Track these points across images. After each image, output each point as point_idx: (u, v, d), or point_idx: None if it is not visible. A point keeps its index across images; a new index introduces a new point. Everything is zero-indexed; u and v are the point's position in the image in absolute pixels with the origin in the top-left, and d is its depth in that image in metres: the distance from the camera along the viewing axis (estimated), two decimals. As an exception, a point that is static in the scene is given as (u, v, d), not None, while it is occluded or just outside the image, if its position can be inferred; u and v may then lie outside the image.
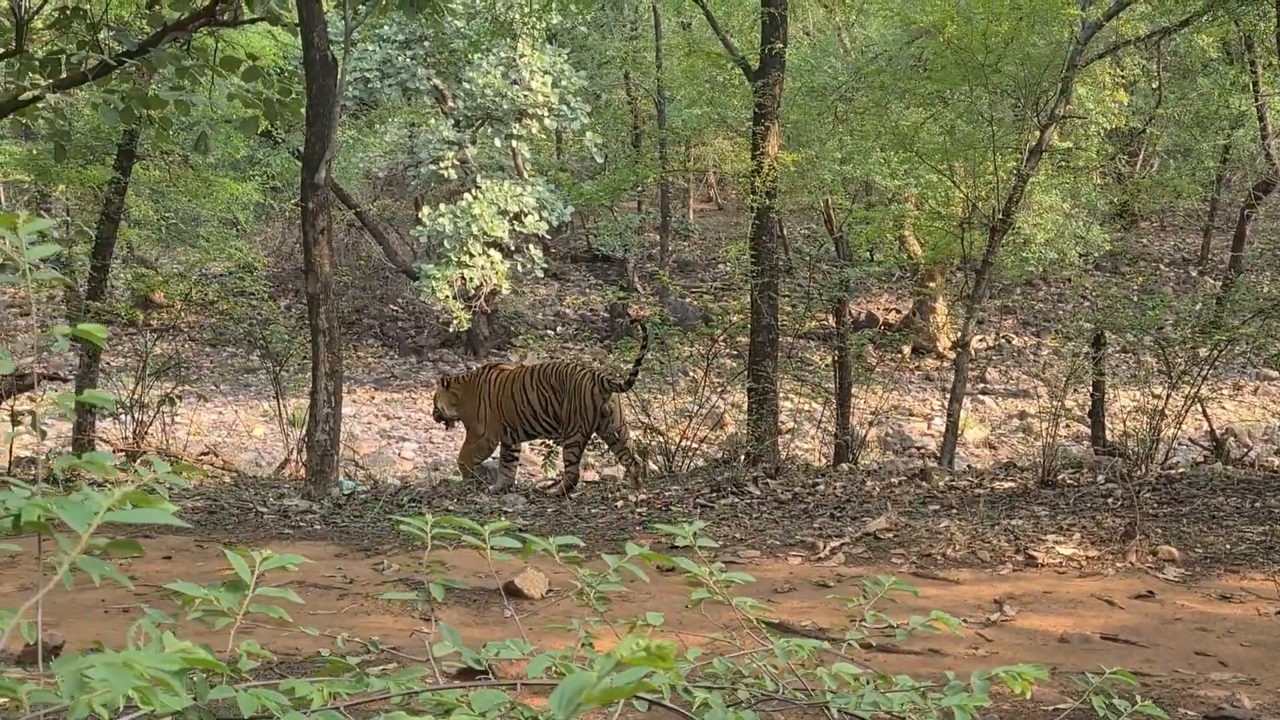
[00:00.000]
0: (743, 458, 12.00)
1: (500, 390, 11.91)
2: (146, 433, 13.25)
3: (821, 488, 11.04)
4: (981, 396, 23.52)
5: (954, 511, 9.79)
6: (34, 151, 17.45)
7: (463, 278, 26.30)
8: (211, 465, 13.12)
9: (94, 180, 16.19)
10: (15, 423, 13.48)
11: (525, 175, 27.57)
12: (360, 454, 20.97)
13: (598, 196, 21.92)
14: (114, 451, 13.29)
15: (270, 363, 18.79)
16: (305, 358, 31.41)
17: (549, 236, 28.08)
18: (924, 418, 21.62)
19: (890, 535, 9.11)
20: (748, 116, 12.74)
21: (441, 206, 26.51)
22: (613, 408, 11.67)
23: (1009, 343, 28.13)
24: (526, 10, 25.50)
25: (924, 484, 10.91)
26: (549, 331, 30.41)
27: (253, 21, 12.66)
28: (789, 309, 14.80)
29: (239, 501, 10.25)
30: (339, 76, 10.24)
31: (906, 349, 27.14)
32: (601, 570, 9.02)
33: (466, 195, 26.40)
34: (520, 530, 9.75)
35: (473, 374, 12.93)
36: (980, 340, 27.89)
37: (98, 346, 16.02)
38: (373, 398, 26.79)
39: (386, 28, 26.15)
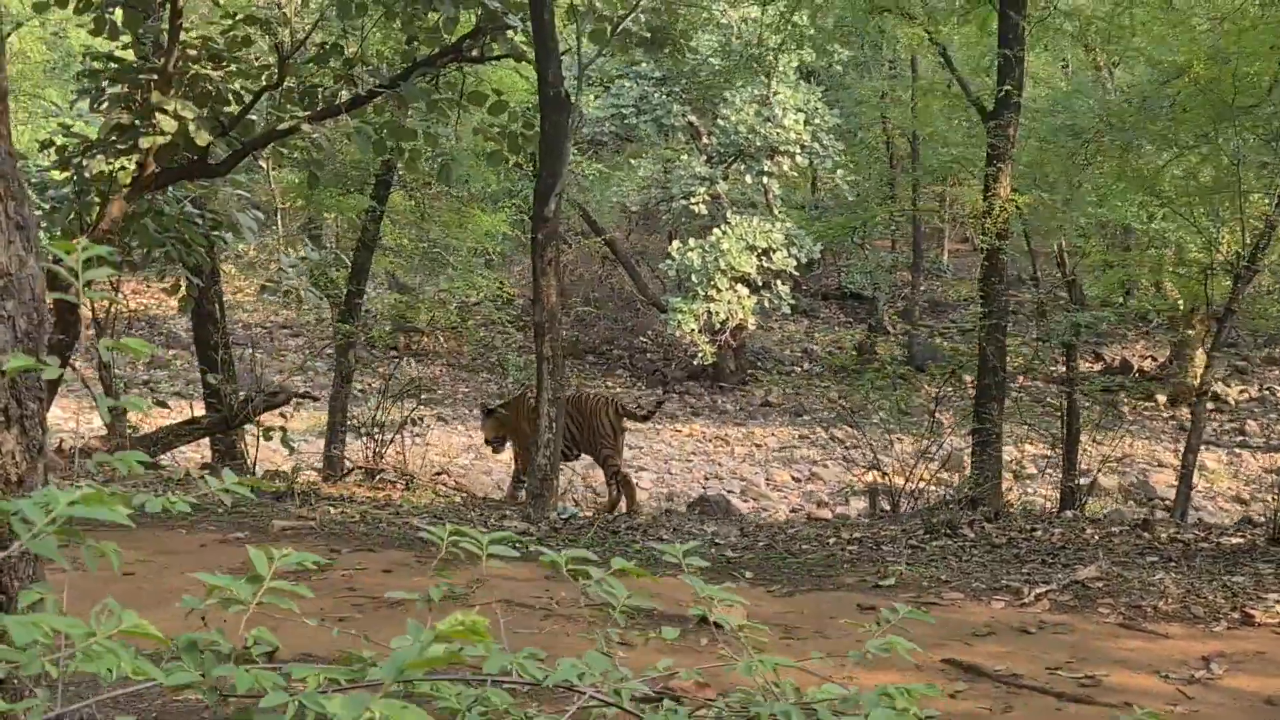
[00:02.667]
0: (960, 501, 11.89)
1: (528, 414, 12.81)
2: (384, 452, 13.80)
3: (1039, 533, 10.85)
4: (1239, 449, 22.64)
5: (1172, 564, 9.52)
6: (295, 180, 18.35)
7: (709, 312, 26.56)
8: (444, 486, 13.59)
9: (352, 209, 16.96)
10: (265, 438, 14.26)
11: (775, 212, 27.72)
12: (598, 482, 21.40)
13: (838, 233, 21.92)
14: (353, 468, 13.87)
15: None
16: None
17: (798, 273, 28.15)
18: (1174, 468, 20.92)
19: (1100, 584, 8.91)
20: (982, 157, 12.65)
21: (691, 241, 26.86)
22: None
23: (1273, 394, 27.00)
24: (779, 48, 25.72)
25: (1145, 535, 10.62)
26: (795, 368, 30.44)
27: (498, 58, 13.17)
28: (1023, 352, 14.59)
29: (462, 522, 10.62)
30: (572, 112, 10.55)
31: (1161, 397, 26.32)
32: (797, 607, 9.10)
33: (716, 230, 26.68)
34: (727, 563, 9.89)
35: (510, 400, 14.43)
36: (1242, 391, 26.84)
37: (350, 367, 16.77)
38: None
39: (643, 65, 26.67)
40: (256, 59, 12.94)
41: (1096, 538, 10.69)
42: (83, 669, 2.12)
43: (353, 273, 16.75)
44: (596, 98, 27.92)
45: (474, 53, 12.97)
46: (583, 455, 14.18)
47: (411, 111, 13.08)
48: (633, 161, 28.44)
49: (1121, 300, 19.02)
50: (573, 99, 10.59)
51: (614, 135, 27.62)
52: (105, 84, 12.47)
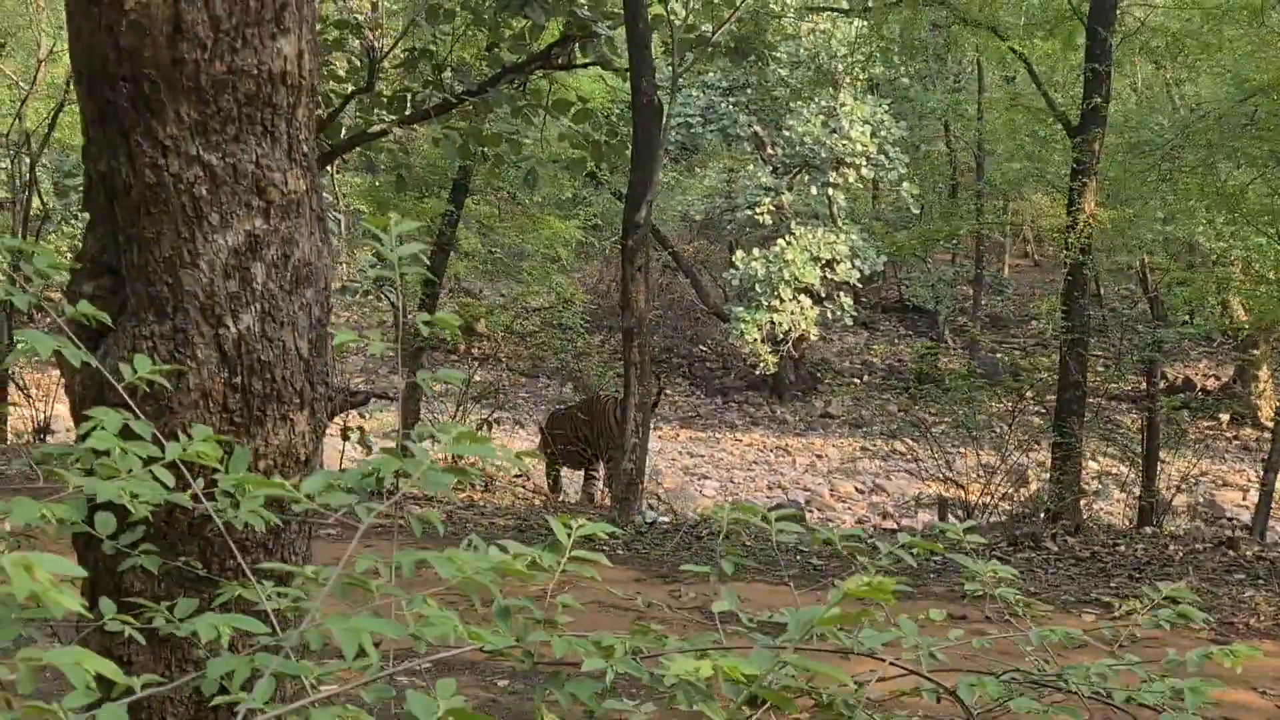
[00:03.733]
0: (1042, 514, 11.89)
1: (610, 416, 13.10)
2: (462, 456, 13.86)
3: (1122, 548, 10.85)
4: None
5: (1261, 582, 9.51)
6: (377, 184, 18.53)
7: (772, 322, 26.58)
8: (524, 488, 13.69)
9: (430, 212, 17.11)
10: (345, 437, 14.40)
11: (839, 223, 27.73)
12: (663, 488, 21.43)
13: (910, 247, 21.90)
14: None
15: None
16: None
17: (860, 285, 28.15)
18: (1239, 488, 20.78)
19: (1190, 601, 8.91)
20: (1066, 172, 12.64)
21: (755, 251, 26.91)
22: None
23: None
24: (849, 60, 25.75)
25: (1231, 552, 10.61)
26: (855, 380, 30.42)
27: (585, 65, 13.28)
28: (1100, 368, 14.56)
29: (541, 524, 10.72)
30: (663, 121, 10.64)
31: (1224, 417, 26.15)
32: (887, 617, 9.12)
33: (780, 241, 26.72)
34: (814, 570, 9.93)
35: (583, 403, 15.37)
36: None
37: (421, 369, 16.91)
38: (677, 435, 27.29)
39: (710, 74, 26.73)
40: (347, 63, 13.08)
41: (1181, 554, 10.68)
42: (418, 634, 2.23)
43: (427, 277, 16.87)
44: (683, 102, 28.03)
45: (560, 60, 13.07)
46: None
47: (494, 117, 13.20)
48: (697, 171, 28.50)
49: (1188, 318, 18.89)
50: (664, 108, 10.66)
51: (679, 145, 27.67)
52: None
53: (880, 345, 32.63)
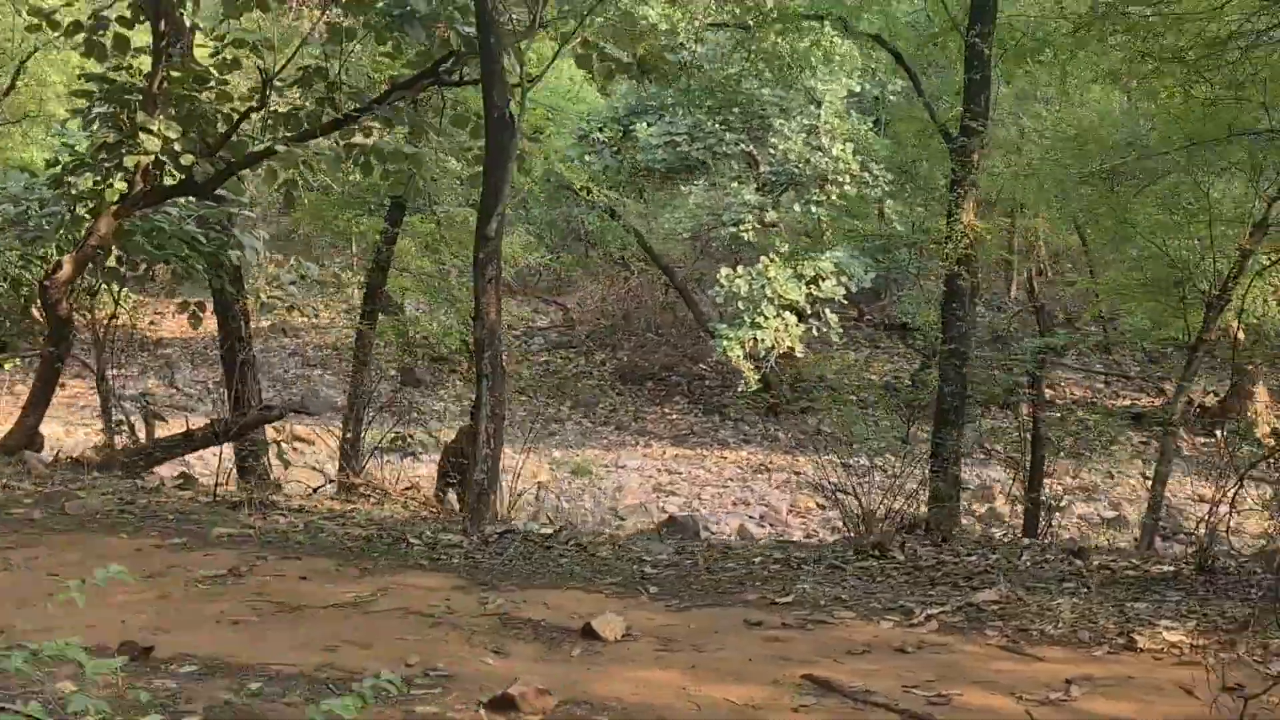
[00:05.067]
0: (908, 524, 11.90)
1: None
2: (361, 469, 14.06)
3: (973, 558, 10.83)
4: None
5: (1084, 590, 9.48)
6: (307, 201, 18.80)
7: (755, 339, 26.63)
8: (413, 499, 13.82)
9: (371, 229, 17.35)
10: (269, 451, 14.58)
11: (825, 240, 27.77)
12: (622, 504, 21.56)
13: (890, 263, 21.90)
14: (327, 482, 14.17)
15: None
16: (614, 409, 32.45)
17: (853, 302, 28.19)
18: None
19: (996, 607, 8.91)
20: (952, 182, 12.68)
21: (740, 268, 26.98)
22: None
23: (1326, 430, 26.40)
24: (827, 77, 25.82)
25: (1077, 561, 10.57)
26: (852, 396, 30.34)
27: (475, 83, 13.45)
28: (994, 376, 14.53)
29: (396, 533, 10.86)
30: (515, 134, 10.79)
31: (1219, 432, 25.91)
32: (686, 622, 9.19)
33: (763, 258, 26.79)
34: (642, 578, 10.01)
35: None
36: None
37: (363, 385, 17.12)
38: (664, 453, 27.40)
39: (696, 93, 26.87)
40: (244, 83, 13.34)
41: (1030, 563, 10.67)
42: None
43: (366, 293, 17.13)
44: (650, 125, 28.17)
45: (454, 76, 13.27)
46: None
47: (392, 135, 13.42)
48: (683, 189, 28.65)
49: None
50: (516, 120, 10.79)
51: (666, 163, 27.85)
52: (95, 104, 12.94)
53: (879, 363, 32.51)
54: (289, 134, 12.93)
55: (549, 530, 11.93)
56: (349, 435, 15.87)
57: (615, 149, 29.01)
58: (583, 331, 34.59)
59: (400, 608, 8.78)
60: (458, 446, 13.45)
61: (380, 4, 12.50)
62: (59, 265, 13.06)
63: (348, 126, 13.03)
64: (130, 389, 15.56)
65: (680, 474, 25.11)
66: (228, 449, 14.59)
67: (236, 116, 13.04)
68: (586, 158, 28.71)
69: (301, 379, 32.02)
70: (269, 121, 13.17)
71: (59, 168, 13.24)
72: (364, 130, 13.46)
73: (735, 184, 28.02)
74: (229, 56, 12.96)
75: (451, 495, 14.17)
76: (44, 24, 12.59)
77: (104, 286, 15.20)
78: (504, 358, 11.16)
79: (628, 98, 28.82)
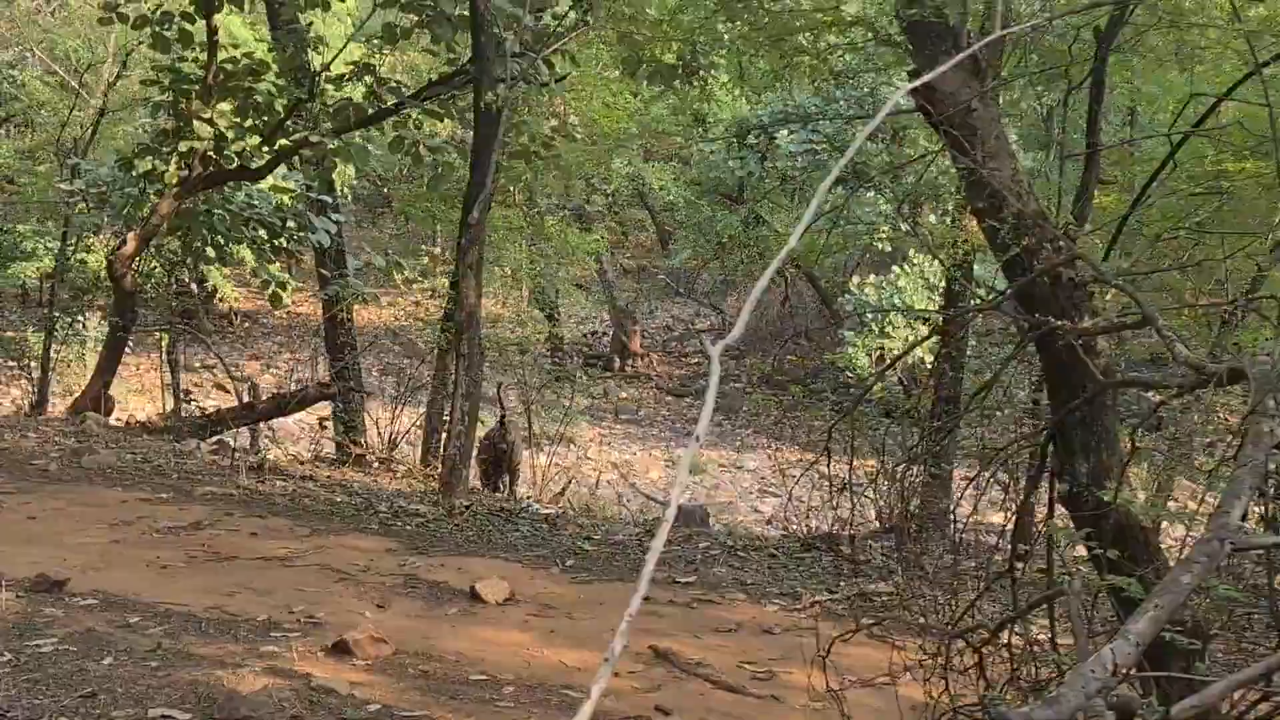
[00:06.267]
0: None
1: None
2: (397, 442, 14.64)
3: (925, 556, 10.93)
4: None
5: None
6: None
7: (882, 348, 26.59)
8: (421, 475, 14.27)
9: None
10: (321, 426, 15.41)
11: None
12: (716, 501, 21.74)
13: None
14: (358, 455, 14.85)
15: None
16: (756, 412, 32.56)
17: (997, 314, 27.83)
18: None
19: (885, 598, 9.08)
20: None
21: (872, 277, 26.99)
22: None
23: None
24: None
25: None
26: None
27: (501, 81, 14.02)
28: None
29: (371, 501, 11.47)
30: (500, 128, 11.30)
31: None
32: (579, 594, 9.61)
33: (895, 268, 26.74)
34: (572, 553, 10.43)
35: None
36: None
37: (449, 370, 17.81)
38: (784, 455, 27.51)
39: (840, 103, 26.94)
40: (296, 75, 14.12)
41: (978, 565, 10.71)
42: None
43: (451, 283, 17.83)
44: (792, 133, 28.31)
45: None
46: None
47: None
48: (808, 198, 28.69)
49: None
50: (503, 113, 11.29)
51: (806, 171, 27.97)
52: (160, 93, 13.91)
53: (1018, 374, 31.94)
54: (332, 125, 13.67)
55: (548, 511, 12.40)
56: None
57: (761, 155, 29.24)
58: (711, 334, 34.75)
59: (322, 564, 9.38)
60: (489, 441, 14.01)
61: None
62: (124, 241, 14.06)
63: (386, 119, 13.71)
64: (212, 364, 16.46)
65: (793, 475, 25.13)
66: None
67: (285, 109, 13.83)
68: (730, 163, 29.05)
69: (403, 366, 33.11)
70: (318, 113, 13.92)
71: (130, 153, 14.24)
72: (415, 123, 14.10)
73: (872, 193, 27.94)
74: (282, 49, 13.82)
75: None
76: (114, 17, 13.56)
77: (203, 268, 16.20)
78: (480, 343, 11.63)
79: (773, 104, 29.00)
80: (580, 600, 8.96)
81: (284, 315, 31.41)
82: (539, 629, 8.26)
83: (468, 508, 11.16)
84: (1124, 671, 2.39)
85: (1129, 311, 4.68)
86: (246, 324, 31.78)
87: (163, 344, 15.22)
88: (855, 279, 27.33)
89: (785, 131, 28.39)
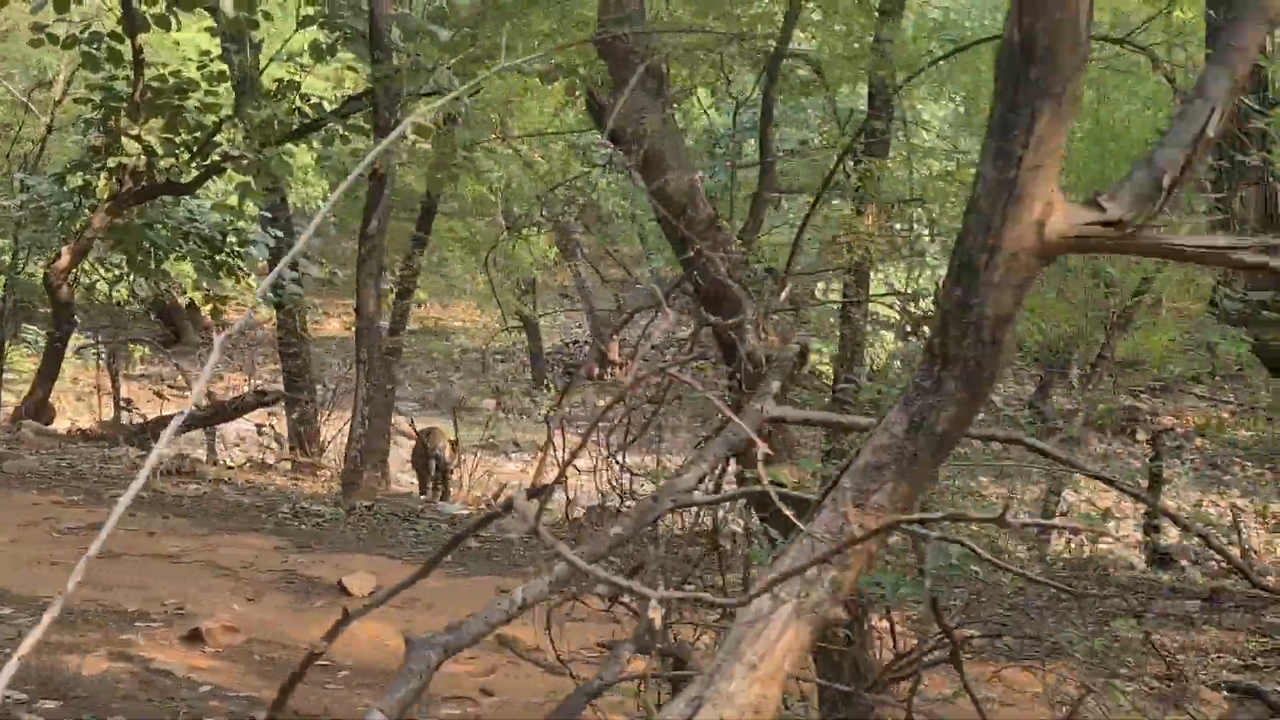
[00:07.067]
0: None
1: None
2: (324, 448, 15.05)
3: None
4: None
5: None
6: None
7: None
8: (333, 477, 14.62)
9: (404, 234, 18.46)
10: (260, 432, 15.82)
11: (927, 257, 27.80)
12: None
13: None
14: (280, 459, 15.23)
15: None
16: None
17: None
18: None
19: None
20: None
21: (833, 284, 27.27)
22: None
23: None
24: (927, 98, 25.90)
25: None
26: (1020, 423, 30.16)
27: (429, 94, 14.44)
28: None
29: (278, 503, 11.87)
30: (399, 142, 11.70)
31: None
32: (449, 586, 9.95)
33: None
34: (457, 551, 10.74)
35: None
36: None
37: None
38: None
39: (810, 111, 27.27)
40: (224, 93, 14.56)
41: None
42: None
43: (398, 293, 18.25)
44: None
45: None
46: None
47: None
48: (783, 205, 28.98)
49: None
50: (398, 125, 11.68)
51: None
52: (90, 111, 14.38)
53: (1006, 385, 32.23)
54: (260, 141, 14.10)
55: (457, 511, 12.77)
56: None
57: (729, 165, 29.56)
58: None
59: (208, 561, 9.79)
60: (421, 446, 14.40)
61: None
62: (59, 255, 14.52)
63: (308, 135, 14.14)
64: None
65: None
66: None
67: (213, 125, 14.28)
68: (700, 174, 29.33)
69: (440, 378, 33.38)
70: (247, 129, 14.35)
71: (62, 169, 14.71)
72: (343, 138, 14.51)
73: (837, 200, 28.21)
74: (214, 70, 14.26)
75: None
76: (44, 38, 14.00)
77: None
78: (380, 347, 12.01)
79: (741, 115, 29.33)
80: (445, 593, 9.30)
81: (268, 326, 31.91)
82: (398, 620, 8.60)
83: (368, 508, 11.53)
84: (532, 604, 2.78)
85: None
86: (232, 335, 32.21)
87: (98, 355, 15.65)
88: (820, 285, 27.58)
89: (751, 141, 28.74)
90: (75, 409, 17.04)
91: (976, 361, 2.15)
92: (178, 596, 8.59)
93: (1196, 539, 11.21)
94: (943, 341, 2.17)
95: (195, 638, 7.60)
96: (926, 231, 14.22)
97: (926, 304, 10.72)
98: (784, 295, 5.01)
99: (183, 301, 24.20)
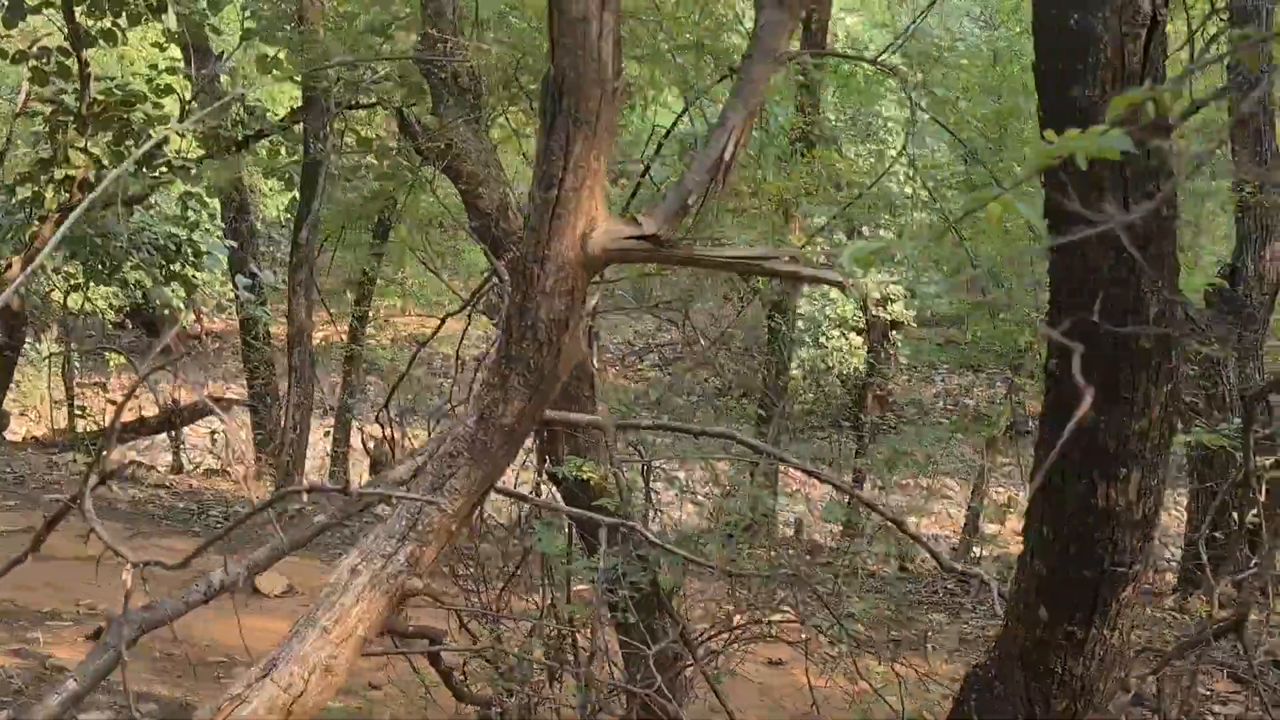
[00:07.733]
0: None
1: None
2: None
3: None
4: None
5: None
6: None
7: (823, 359, 27.16)
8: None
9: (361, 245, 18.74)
10: (211, 439, 16.08)
11: (899, 263, 28.03)
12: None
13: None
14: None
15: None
16: (704, 427, 33.09)
17: (914, 324, 28.43)
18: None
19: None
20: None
21: (805, 289, 27.52)
22: None
23: None
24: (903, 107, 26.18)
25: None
26: (942, 420, 30.41)
27: (368, 107, 14.71)
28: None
29: (205, 507, 12.15)
30: (328, 149, 11.99)
31: None
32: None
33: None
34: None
35: None
36: None
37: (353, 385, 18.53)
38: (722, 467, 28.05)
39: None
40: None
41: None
42: None
43: (356, 301, 18.53)
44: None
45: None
46: None
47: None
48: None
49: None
50: (329, 140, 11.99)
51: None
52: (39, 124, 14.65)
53: (979, 388, 32.40)
54: (203, 153, 14.39)
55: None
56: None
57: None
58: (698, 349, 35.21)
59: (130, 564, 10.05)
60: (368, 450, 14.66)
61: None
62: (9, 265, 14.80)
63: (251, 145, 14.42)
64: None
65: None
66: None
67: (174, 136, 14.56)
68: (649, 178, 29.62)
69: (425, 387, 33.73)
70: (192, 141, 14.65)
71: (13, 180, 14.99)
72: (289, 150, 14.77)
73: (807, 205, 28.50)
74: (161, 83, 14.54)
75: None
76: (-12, 53, 14.27)
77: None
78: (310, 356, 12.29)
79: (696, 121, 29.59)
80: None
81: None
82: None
83: (299, 510, 11.78)
84: (228, 587, 3.06)
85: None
86: (216, 344, 32.58)
87: (50, 363, 15.95)
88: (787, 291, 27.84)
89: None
90: (57, 419, 17.33)
91: (536, 361, 2.41)
92: (92, 597, 8.86)
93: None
94: (507, 343, 2.43)
95: (99, 635, 7.87)
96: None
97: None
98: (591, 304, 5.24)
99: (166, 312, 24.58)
